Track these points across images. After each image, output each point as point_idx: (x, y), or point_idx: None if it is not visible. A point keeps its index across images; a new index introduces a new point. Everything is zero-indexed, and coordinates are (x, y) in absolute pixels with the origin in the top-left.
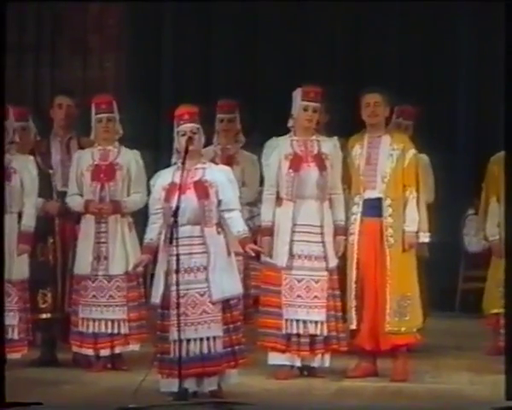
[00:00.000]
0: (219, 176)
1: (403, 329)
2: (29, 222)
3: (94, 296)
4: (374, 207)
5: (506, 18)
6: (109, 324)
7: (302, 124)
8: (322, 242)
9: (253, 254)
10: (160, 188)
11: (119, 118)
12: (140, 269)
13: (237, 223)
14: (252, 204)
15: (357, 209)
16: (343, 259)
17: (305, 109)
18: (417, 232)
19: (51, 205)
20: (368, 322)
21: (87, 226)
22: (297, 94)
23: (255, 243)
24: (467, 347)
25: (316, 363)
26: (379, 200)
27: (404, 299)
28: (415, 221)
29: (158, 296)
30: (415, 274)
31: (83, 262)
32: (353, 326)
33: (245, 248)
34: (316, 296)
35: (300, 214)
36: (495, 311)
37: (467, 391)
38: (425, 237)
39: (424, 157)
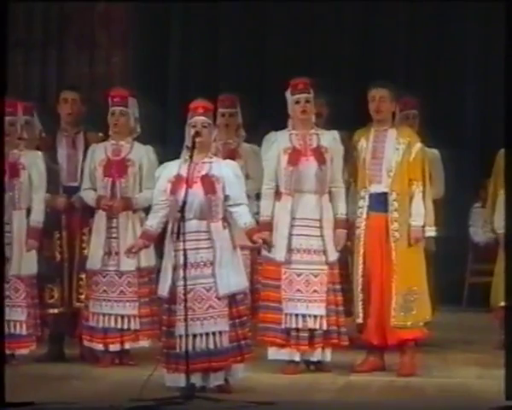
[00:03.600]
0: (226, 171)
1: (409, 323)
2: (38, 218)
3: (104, 291)
4: (380, 202)
5: (506, 18)
6: (119, 319)
7: (298, 117)
8: (322, 235)
9: (261, 242)
10: (165, 180)
11: (137, 117)
12: (149, 266)
13: (244, 215)
14: (260, 198)
15: (363, 203)
16: (345, 252)
17: (298, 102)
18: (423, 227)
19: (57, 200)
20: (374, 316)
21: (99, 221)
22: (288, 92)
23: None
24: (474, 341)
25: (315, 357)
26: (385, 194)
27: (410, 293)
28: (421, 216)
29: (165, 290)
30: (422, 268)
31: (94, 257)
32: (360, 320)
33: (252, 238)
34: (315, 290)
35: (299, 208)
36: (503, 304)
37: (474, 385)
38: (431, 232)
39: (435, 152)
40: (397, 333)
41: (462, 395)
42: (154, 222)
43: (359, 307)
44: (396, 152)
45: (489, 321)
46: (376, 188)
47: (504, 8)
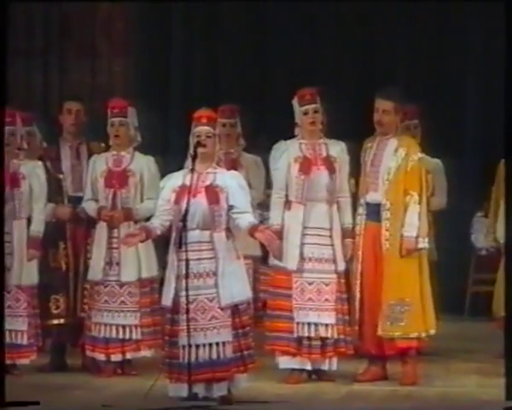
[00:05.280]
0: (230, 182)
1: (397, 334)
2: (38, 227)
3: (106, 301)
4: (375, 211)
5: (506, 19)
6: (120, 329)
7: (307, 128)
8: (332, 245)
9: (265, 234)
10: (169, 190)
11: (137, 126)
12: (151, 276)
13: (249, 218)
14: (262, 207)
15: (362, 211)
16: (350, 261)
17: (306, 113)
18: (417, 238)
19: (62, 210)
20: (369, 325)
21: (100, 231)
22: (295, 102)
23: (263, 246)
24: (476, 350)
25: (325, 366)
26: (380, 203)
27: (401, 304)
28: (414, 226)
29: (169, 300)
30: (417, 279)
31: (95, 268)
32: (357, 327)
33: (256, 233)
34: (326, 299)
35: (311, 217)
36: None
37: (476, 394)
38: (424, 243)
39: (438, 162)
40: (392, 343)
41: (463, 404)
42: (154, 221)
43: (357, 316)
44: (393, 161)
45: (491, 330)
46: (373, 196)
47: (504, 8)
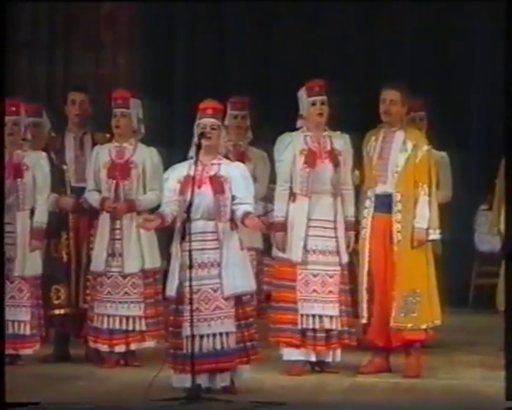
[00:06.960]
0: (234, 172)
1: (409, 325)
2: (41, 218)
3: (109, 293)
4: (384, 203)
5: (506, 18)
6: (124, 320)
7: (314, 119)
8: (336, 237)
9: (254, 221)
10: (174, 181)
11: (141, 118)
12: (153, 267)
13: (245, 208)
14: (266, 200)
15: (369, 204)
16: (354, 254)
17: (314, 104)
18: (427, 229)
19: (65, 200)
20: (378, 317)
21: (103, 223)
22: (302, 93)
23: (267, 238)
24: (480, 343)
25: (329, 358)
26: (389, 195)
27: (413, 295)
28: (425, 218)
29: (173, 290)
30: (425, 271)
31: (98, 259)
32: (364, 320)
33: (246, 221)
34: (330, 291)
35: (315, 210)
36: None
37: (480, 387)
38: (435, 235)
39: (443, 155)
40: (401, 334)
41: (467, 397)
42: (166, 208)
43: (364, 308)
44: (402, 153)
45: (494, 323)
46: (382, 189)
47: (504, 8)
